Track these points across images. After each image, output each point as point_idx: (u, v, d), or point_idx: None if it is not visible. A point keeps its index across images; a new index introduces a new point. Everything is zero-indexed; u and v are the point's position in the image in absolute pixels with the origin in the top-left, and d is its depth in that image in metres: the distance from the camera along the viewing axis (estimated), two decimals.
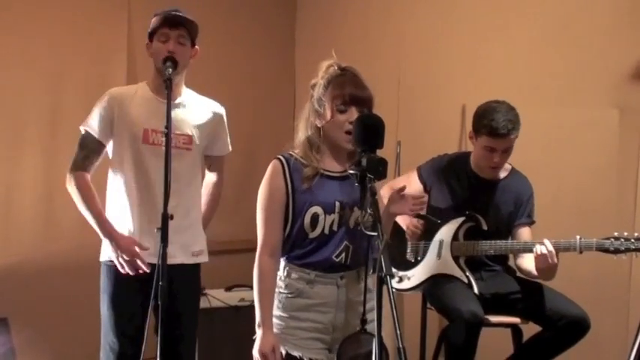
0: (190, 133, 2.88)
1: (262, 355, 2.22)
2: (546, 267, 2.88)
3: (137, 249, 2.75)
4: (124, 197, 2.83)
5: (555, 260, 2.86)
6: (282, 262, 2.35)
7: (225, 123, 3.05)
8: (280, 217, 2.30)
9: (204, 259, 2.97)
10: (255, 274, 2.30)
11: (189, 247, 2.89)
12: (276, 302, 2.32)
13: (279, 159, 2.32)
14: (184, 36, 2.80)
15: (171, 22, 2.78)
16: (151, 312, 2.73)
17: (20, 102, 3.80)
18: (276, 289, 2.33)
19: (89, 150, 2.83)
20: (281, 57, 4.97)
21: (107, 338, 2.81)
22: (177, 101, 2.85)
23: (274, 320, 2.31)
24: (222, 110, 3.03)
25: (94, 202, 2.81)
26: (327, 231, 2.28)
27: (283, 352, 2.29)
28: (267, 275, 2.30)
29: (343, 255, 2.29)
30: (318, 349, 2.29)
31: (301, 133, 2.35)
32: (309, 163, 2.29)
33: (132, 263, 2.75)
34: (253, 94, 4.74)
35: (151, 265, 2.74)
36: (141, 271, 2.75)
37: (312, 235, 2.28)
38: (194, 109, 2.93)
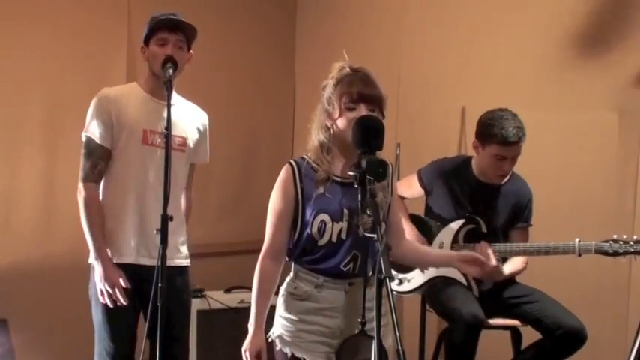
0: (185, 135, 2.88)
1: (249, 354, 2.25)
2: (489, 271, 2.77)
3: (121, 281, 2.74)
4: (119, 198, 2.81)
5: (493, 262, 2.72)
6: (292, 265, 2.35)
7: (208, 132, 3.03)
8: (287, 221, 2.29)
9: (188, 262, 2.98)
10: (256, 275, 2.31)
11: (180, 248, 2.91)
12: (283, 304, 2.33)
13: (290, 164, 2.30)
14: (182, 41, 2.78)
15: (171, 26, 2.76)
16: (143, 314, 2.76)
17: (20, 103, 3.80)
18: (285, 292, 2.34)
19: (96, 157, 2.78)
20: (281, 57, 4.97)
21: (103, 343, 2.81)
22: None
23: (281, 321, 2.32)
24: (207, 118, 3.02)
25: (97, 222, 2.78)
26: (335, 239, 2.26)
27: (288, 354, 2.29)
28: (266, 278, 2.30)
29: (351, 265, 2.27)
30: (324, 352, 2.29)
31: (314, 136, 2.31)
32: (322, 166, 2.27)
33: (112, 294, 2.74)
34: (253, 95, 4.74)
35: (146, 267, 2.75)
36: (119, 303, 2.74)
37: (321, 242, 2.26)
38: (185, 113, 2.93)
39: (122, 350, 2.79)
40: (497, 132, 3.00)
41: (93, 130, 2.78)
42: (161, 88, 2.79)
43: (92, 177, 2.78)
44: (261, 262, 2.31)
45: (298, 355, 2.29)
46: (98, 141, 2.77)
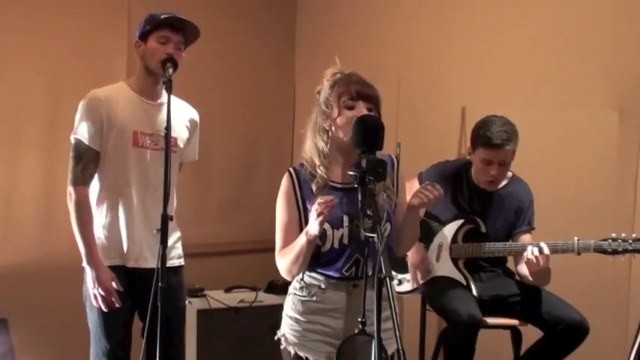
0: (176, 136, 2.84)
1: None
2: (537, 271, 2.87)
3: (113, 284, 2.72)
4: (109, 201, 2.77)
5: (544, 263, 2.84)
6: None
7: (198, 130, 3.00)
8: (295, 228, 2.30)
9: (182, 261, 2.97)
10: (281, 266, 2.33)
11: (173, 249, 2.87)
12: (290, 303, 2.36)
13: (289, 172, 2.33)
14: (182, 42, 2.77)
15: (175, 25, 2.73)
16: (137, 316, 2.76)
17: (20, 103, 3.80)
18: (292, 291, 2.37)
19: (86, 160, 2.72)
20: (281, 61, 4.96)
21: (99, 344, 2.78)
22: (158, 102, 2.82)
23: (288, 321, 2.35)
24: (197, 115, 2.99)
25: (89, 227, 2.74)
26: (336, 245, 2.27)
27: (292, 352, 2.33)
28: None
29: (353, 269, 2.28)
30: (327, 352, 2.30)
31: (310, 142, 2.32)
32: (318, 173, 2.27)
33: (106, 298, 2.71)
34: (253, 98, 4.74)
35: (138, 269, 2.76)
36: (113, 307, 2.72)
37: (324, 249, 2.28)
38: (176, 112, 2.82)
39: (118, 351, 2.78)
40: (482, 134, 3.01)
41: (82, 132, 2.71)
42: (152, 88, 2.78)
43: (82, 180, 2.72)
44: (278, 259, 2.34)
45: (301, 354, 2.31)
46: (87, 143, 2.71)
